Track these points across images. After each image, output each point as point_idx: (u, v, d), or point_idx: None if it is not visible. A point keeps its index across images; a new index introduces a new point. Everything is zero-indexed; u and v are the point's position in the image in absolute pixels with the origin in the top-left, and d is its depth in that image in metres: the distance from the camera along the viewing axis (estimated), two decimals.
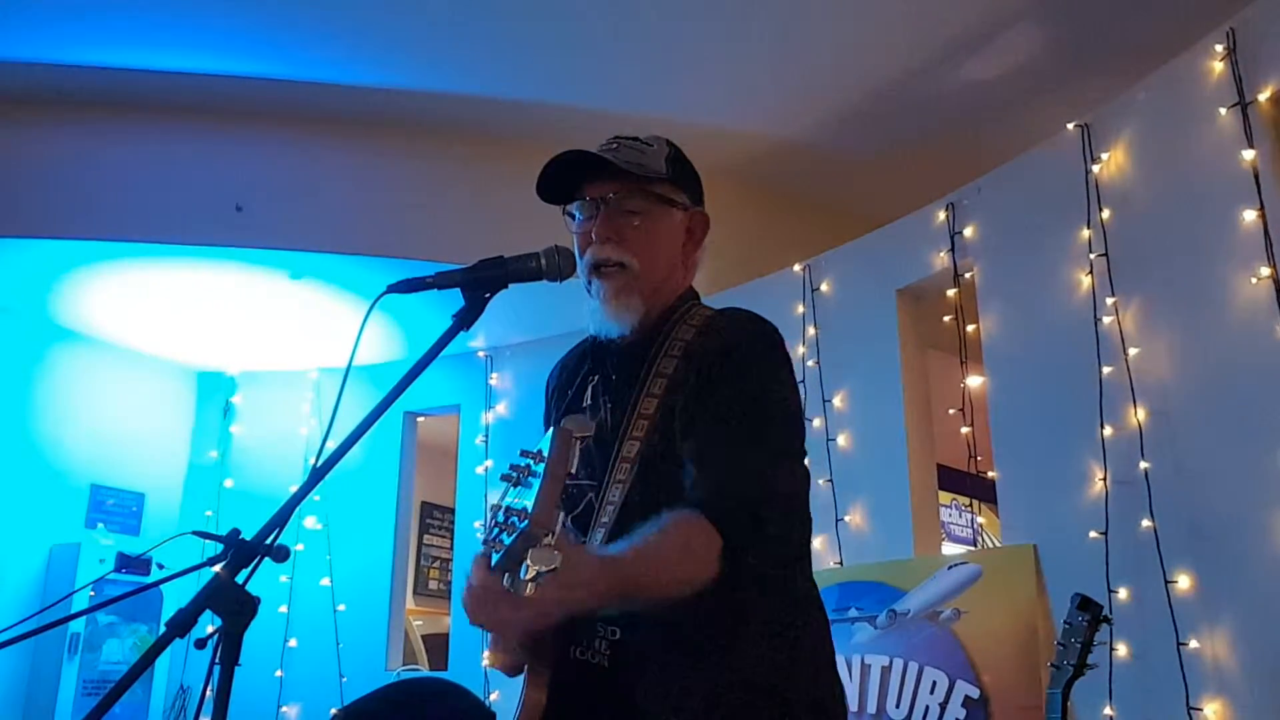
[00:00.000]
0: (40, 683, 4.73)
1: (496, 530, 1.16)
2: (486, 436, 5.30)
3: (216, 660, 1.03)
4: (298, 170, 4.54)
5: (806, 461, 1.45)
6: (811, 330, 4.28)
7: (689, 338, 1.42)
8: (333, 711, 4.83)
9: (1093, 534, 3.20)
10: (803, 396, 4.10)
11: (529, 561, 1.07)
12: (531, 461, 1.18)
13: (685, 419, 1.35)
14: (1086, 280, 3.43)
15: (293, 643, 5.24)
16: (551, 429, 1.20)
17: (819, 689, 1.36)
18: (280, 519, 1.11)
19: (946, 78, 4.25)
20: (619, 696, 1.31)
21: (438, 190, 4.63)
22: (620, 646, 1.33)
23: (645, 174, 1.45)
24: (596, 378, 1.52)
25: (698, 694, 1.28)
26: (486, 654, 1.55)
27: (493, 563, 1.16)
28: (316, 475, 1.16)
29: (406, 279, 1.28)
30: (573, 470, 1.17)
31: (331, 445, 1.18)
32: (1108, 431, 3.26)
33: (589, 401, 1.51)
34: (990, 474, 3.77)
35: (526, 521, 1.09)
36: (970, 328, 3.91)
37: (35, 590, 4.83)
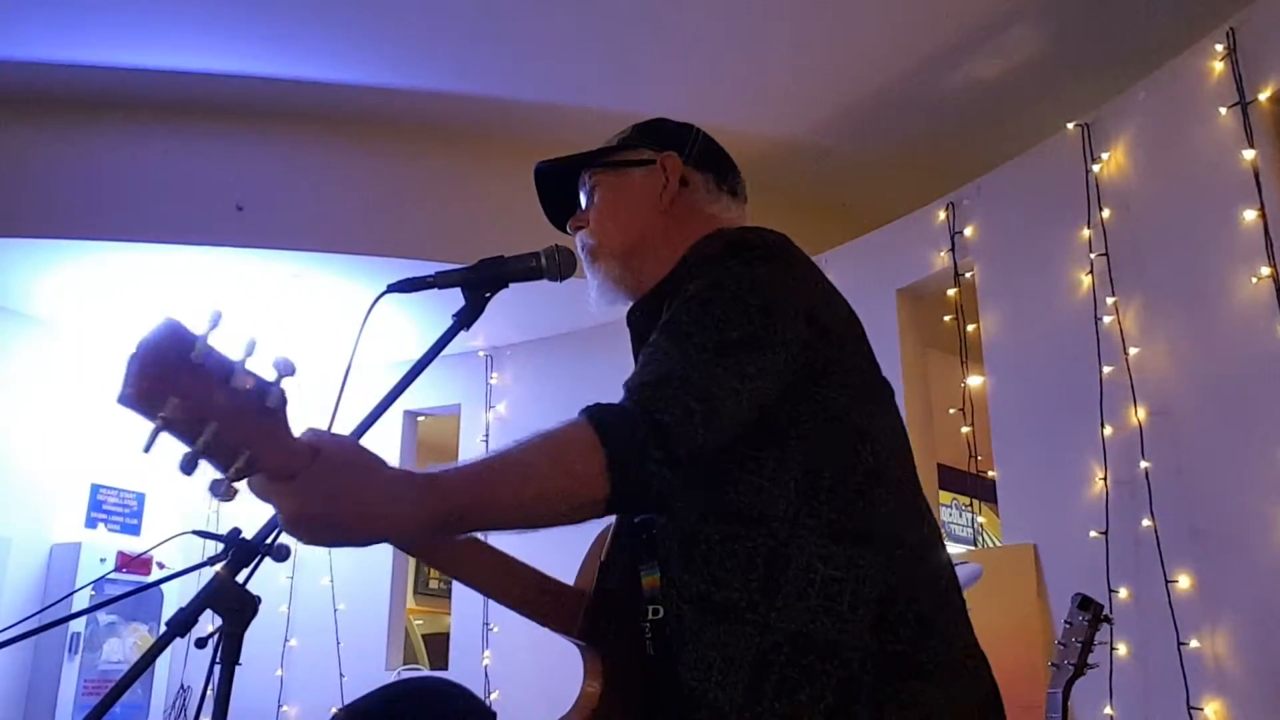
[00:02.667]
0: (40, 683, 4.73)
1: None
2: (486, 436, 5.30)
3: (217, 660, 1.03)
4: (298, 170, 4.54)
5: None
6: None
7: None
8: (333, 711, 4.83)
9: (1093, 534, 3.20)
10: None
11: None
12: None
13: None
14: (1086, 280, 3.43)
15: (293, 643, 5.24)
16: None
17: (900, 642, 1.12)
18: None
19: (946, 78, 4.25)
20: (668, 680, 1.18)
21: (438, 190, 4.63)
22: (660, 626, 1.21)
23: (591, 150, 1.48)
24: (632, 349, 1.51)
25: (742, 664, 1.12)
26: None
27: None
28: None
29: (406, 279, 1.28)
30: None
31: None
32: (1108, 431, 3.26)
33: None
34: (990, 474, 3.77)
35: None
36: (970, 328, 3.91)
37: (35, 590, 4.83)
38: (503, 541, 1.28)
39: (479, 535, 1.42)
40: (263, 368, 0.89)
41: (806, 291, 1.26)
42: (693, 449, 1.08)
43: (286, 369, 0.90)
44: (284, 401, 0.90)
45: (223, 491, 0.88)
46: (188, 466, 0.86)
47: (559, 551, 1.46)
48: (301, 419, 0.94)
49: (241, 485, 0.91)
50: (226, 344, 0.91)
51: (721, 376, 1.12)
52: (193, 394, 0.84)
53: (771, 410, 1.16)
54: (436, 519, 0.97)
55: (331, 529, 0.92)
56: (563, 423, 1.07)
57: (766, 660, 1.11)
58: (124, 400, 0.82)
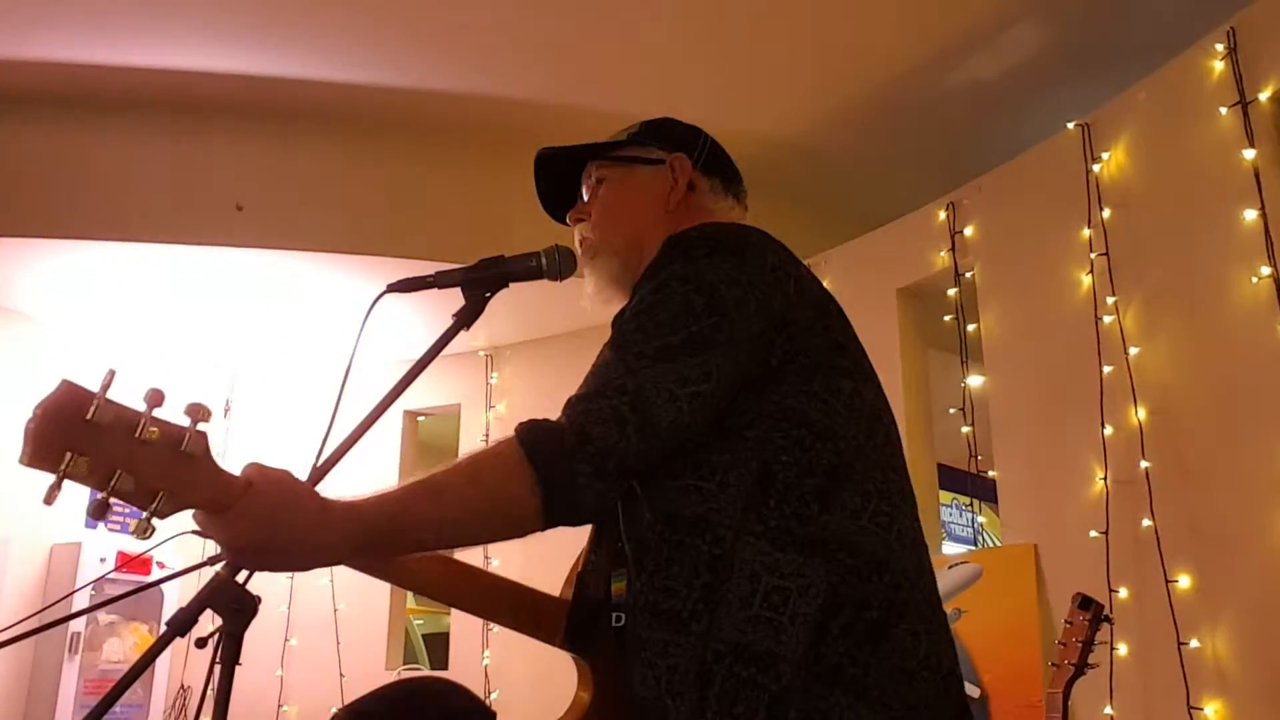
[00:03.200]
0: (40, 683, 4.72)
1: None
2: (486, 436, 5.30)
3: (216, 660, 1.03)
4: (298, 170, 4.54)
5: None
6: None
7: None
8: (333, 711, 4.83)
9: (1093, 534, 3.20)
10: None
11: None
12: None
13: None
14: (1086, 280, 3.42)
15: (293, 643, 5.24)
16: None
17: (838, 653, 1.07)
18: None
19: (946, 78, 4.25)
20: (629, 689, 1.18)
21: (438, 190, 4.63)
22: (621, 633, 1.20)
23: (599, 143, 1.46)
24: None
25: (686, 673, 1.10)
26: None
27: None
28: (316, 475, 1.16)
29: (406, 279, 1.28)
30: None
31: (331, 445, 1.18)
32: (1108, 431, 3.26)
33: None
34: (990, 474, 3.77)
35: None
36: (970, 328, 3.91)
37: (35, 590, 4.83)
38: (508, 549, 1.29)
39: (453, 555, 1.45)
40: (176, 415, 0.96)
41: (759, 282, 1.19)
42: (623, 461, 1.07)
43: (199, 414, 0.96)
44: (201, 444, 0.96)
45: (143, 529, 0.96)
46: (97, 511, 0.93)
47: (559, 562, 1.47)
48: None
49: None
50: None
51: (659, 382, 1.09)
52: (92, 449, 0.89)
53: (724, 410, 1.14)
54: (360, 541, 1.03)
55: (267, 554, 1.00)
56: (492, 442, 1.10)
57: (709, 671, 1.09)
58: (23, 461, 0.88)
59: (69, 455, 0.87)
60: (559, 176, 1.52)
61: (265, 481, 0.99)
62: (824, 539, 1.11)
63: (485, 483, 1.06)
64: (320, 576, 5.26)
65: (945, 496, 6.15)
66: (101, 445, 0.89)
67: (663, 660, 1.12)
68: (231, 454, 5.70)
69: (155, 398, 0.93)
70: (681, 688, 1.10)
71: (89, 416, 0.88)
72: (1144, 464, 3.13)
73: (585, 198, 1.48)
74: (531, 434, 1.07)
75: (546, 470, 1.05)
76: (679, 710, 1.10)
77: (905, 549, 1.16)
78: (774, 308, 1.18)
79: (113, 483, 0.90)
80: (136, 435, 0.91)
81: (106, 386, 0.90)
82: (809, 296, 1.25)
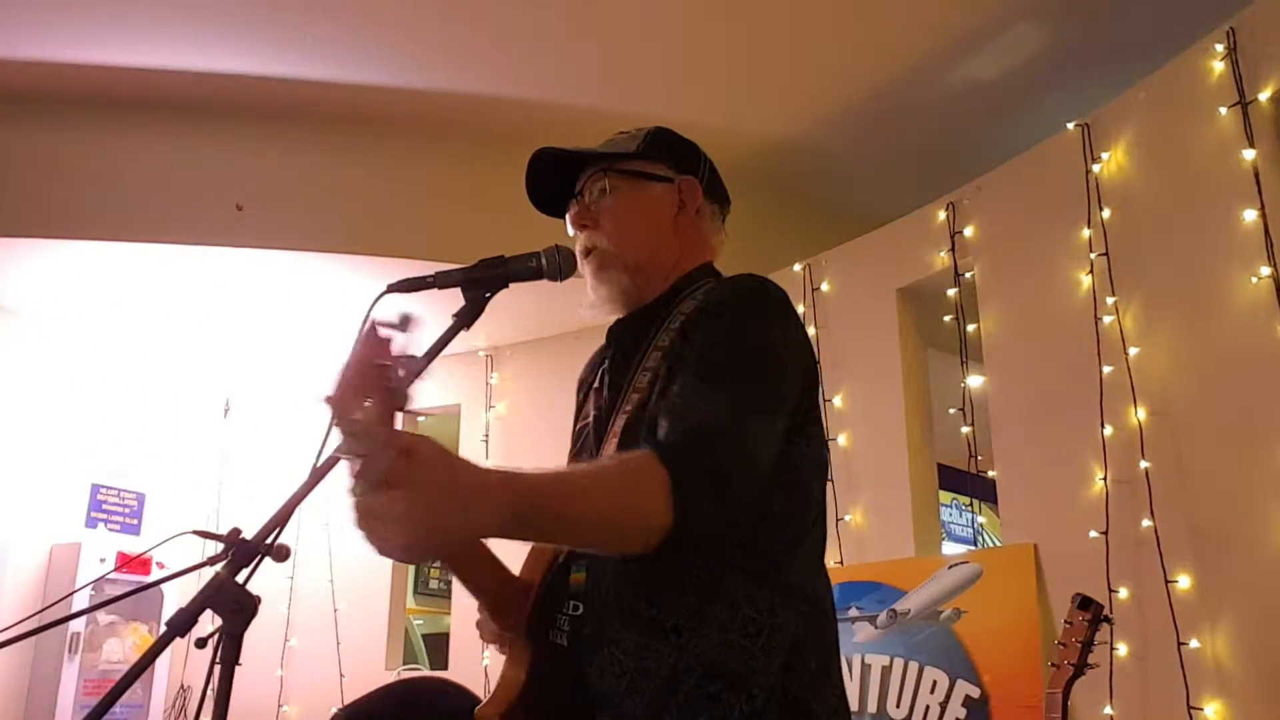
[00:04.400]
0: (40, 683, 4.73)
1: None
2: (486, 436, 5.30)
3: (216, 660, 1.03)
4: (298, 170, 4.54)
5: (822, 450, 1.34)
6: (812, 330, 4.27)
7: (689, 309, 1.35)
8: (333, 711, 4.83)
9: (1093, 534, 3.20)
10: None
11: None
12: None
13: (667, 373, 1.28)
14: (1086, 280, 3.42)
15: (293, 643, 5.24)
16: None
17: (800, 688, 1.21)
18: (280, 519, 1.11)
19: (946, 78, 4.25)
20: (580, 678, 1.24)
21: (438, 190, 4.64)
22: (579, 622, 1.26)
23: (610, 152, 1.46)
24: (607, 362, 1.49)
25: (655, 677, 1.18)
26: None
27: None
28: (316, 475, 1.16)
29: (406, 279, 1.28)
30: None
31: (331, 445, 1.18)
32: (1108, 431, 3.26)
33: (596, 385, 1.49)
34: (990, 474, 3.77)
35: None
36: (970, 328, 3.91)
37: (35, 590, 4.83)
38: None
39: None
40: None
41: (803, 346, 1.33)
42: (744, 498, 1.15)
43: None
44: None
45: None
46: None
47: None
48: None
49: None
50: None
51: (763, 433, 1.20)
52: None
53: None
54: (504, 521, 0.98)
55: (433, 522, 0.91)
56: (628, 452, 1.15)
57: (678, 679, 1.17)
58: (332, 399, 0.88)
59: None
60: (555, 175, 1.52)
61: (429, 446, 0.94)
62: (791, 584, 1.25)
63: (624, 492, 1.09)
64: (320, 576, 5.27)
65: (945, 496, 6.16)
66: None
67: (633, 660, 1.20)
68: (231, 454, 5.70)
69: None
70: (644, 688, 1.18)
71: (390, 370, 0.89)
72: (1144, 464, 3.13)
73: (585, 201, 1.48)
74: (673, 454, 1.11)
75: (686, 491, 1.08)
76: (634, 707, 1.18)
77: (830, 597, 1.33)
78: (810, 371, 1.34)
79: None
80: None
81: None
82: (814, 358, 1.39)
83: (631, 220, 1.44)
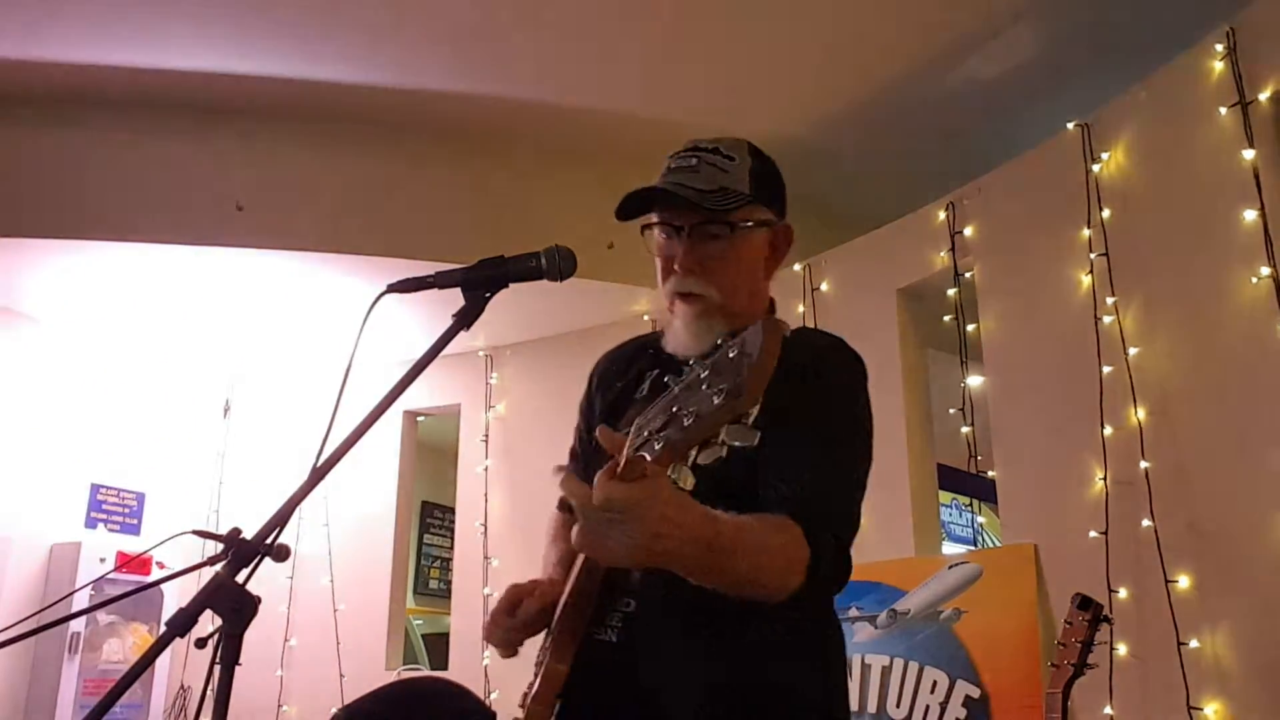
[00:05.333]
0: (40, 683, 4.73)
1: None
2: (486, 436, 5.30)
3: (216, 660, 1.03)
4: (298, 170, 4.54)
5: None
6: None
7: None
8: (333, 711, 4.83)
9: (1093, 534, 3.20)
10: None
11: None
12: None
13: (763, 421, 1.30)
14: (1086, 280, 3.42)
15: (293, 643, 5.24)
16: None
17: (835, 702, 1.33)
18: (280, 519, 1.11)
19: (946, 78, 4.25)
20: (628, 675, 1.27)
21: (438, 190, 4.63)
22: (633, 621, 1.30)
23: (726, 205, 1.40)
24: (657, 372, 1.47)
25: (705, 679, 1.24)
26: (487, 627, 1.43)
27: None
28: (317, 475, 1.16)
29: (406, 279, 1.28)
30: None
31: (331, 445, 1.18)
32: (1108, 431, 3.26)
33: (644, 393, 1.49)
34: (990, 474, 3.77)
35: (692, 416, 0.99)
36: (970, 328, 3.91)
37: (35, 590, 4.83)
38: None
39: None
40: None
41: None
42: (847, 576, 1.27)
43: None
44: None
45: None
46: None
47: None
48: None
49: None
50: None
51: (859, 501, 1.34)
52: None
53: None
54: (690, 551, 1.07)
55: (650, 536, 1.02)
56: (782, 521, 1.21)
57: (728, 686, 1.24)
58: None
59: None
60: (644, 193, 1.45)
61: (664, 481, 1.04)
62: (826, 613, 1.37)
63: (779, 563, 1.18)
64: (320, 576, 5.27)
65: (945, 496, 6.16)
66: None
67: (684, 663, 1.25)
68: (231, 454, 5.70)
69: None
70: (694, 692, 1.23)
71: None
72: (1144, 464, 3.13)
73: (692, 244, 1.42)
74: (816, 538, 1.21)
75: (817, 559, 1.20)
76: (683, 710, 1.22)
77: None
78: None
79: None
80: None
81: None
82: None
83: (740, 270, 1.44)
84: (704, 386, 0.97)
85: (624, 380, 1.54)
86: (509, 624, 1.40)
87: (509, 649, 1.42)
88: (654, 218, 1.46)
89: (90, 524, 5.16)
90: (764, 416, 1.27)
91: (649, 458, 1.00)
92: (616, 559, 1.05)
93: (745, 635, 1.26)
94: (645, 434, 1.02)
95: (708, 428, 0.97)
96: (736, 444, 0.97)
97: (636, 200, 1.43)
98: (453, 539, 6.22)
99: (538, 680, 1.29)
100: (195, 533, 1.51)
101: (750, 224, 1.44)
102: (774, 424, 1.24)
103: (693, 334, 1.43)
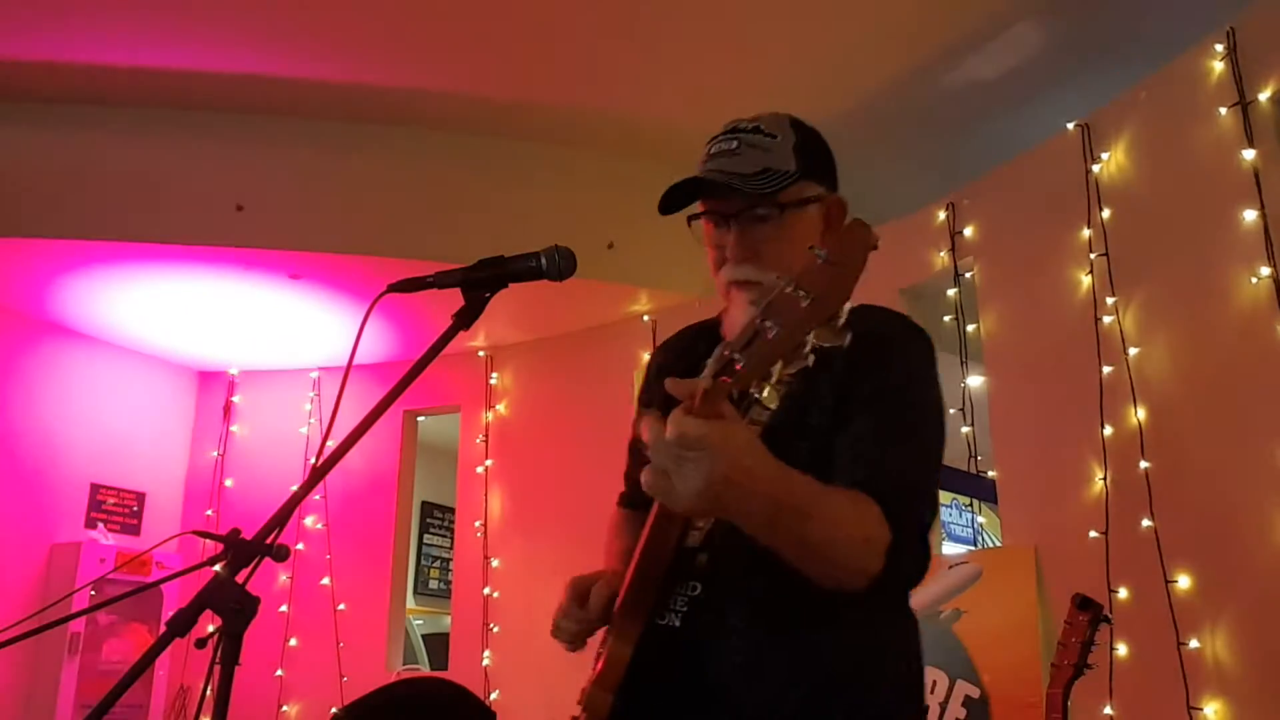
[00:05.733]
0: (40, 683, 4.73)
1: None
2: (486, 436, 5.30)
3: (216, 660, 1.03)
4: (298, 170, 4.54)
5: None
6: None
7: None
8: (333, 711, 4.83)
9: (1093, 534, 3.20)
10: None
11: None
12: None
13: (830, 400, 1.27)
14: (1086, 280, 3.43)
15: (293, 643, 5.24)
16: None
17: (908, 698, 1.26)
18: (280, 519, 1.11)
19: (946, 78, 4.25)
20: (691, 662, 1.23)
21: (438, 190, 4.63)
22: (698, 605, 1.25)
23: (772, 187, 1.35)
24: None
25: (774, 672, 1.19)
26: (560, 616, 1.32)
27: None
28: (316, 475, 1.16)
29: (406, 279, 1.28)
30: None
31: (331, 445, 1.18)
32: (1108, 431, 3.26)
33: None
34: (990, 474, 3.77)
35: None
36: (970, 327, 3.91)
37: (35, 590, 4.83)
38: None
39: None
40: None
41: None
42: (929, 551, 1.21)
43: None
44: None
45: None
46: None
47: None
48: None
49: None
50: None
51: (937, 484, 1.29)
52: None
53: None
54: (770, 506, 1.03)
55: (722, 482, 0.97)
56: (859, 496, 1.15)
57: (798, 678, 1.18)
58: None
59: None
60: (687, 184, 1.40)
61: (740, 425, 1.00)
62: (900, 601, 1.31)
63: (867, 524, 1.13)
64: (320, 576, 5.27)
65: (945, 496, 6.16)
66: None
67: (753, 653, 1.20)
68: (231, 454, 5.71)
69: None
70: (763, 683, 1.18)
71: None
72: (1144, 464, 3.13)
73: (740, 230, 1.37)
74: (896, 518, 1.15)
75: (898, 540, 1.14)
76: (751, 701, 1.18)
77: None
78: None
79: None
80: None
81: None
82: None
83: (795, 251, 1.34)
84: (788, 295, 0.95)
85: (685, 365, 1.46)
86: (580, 615, 1.32)
87: (579, 642, 1.36)
88: (699, 208, 1.41)
89: (90, 524, 5.16)
90: (834, 404, 1.27)
91: (730, 380, 0.95)
92: (684, 502, 0.99)
93: (816, 626, 1.20)
94: (726, 355, 0.97)
95: (797, 334, 0.94)
96: (826, 345, 0.95)
97: (678, 193, 1.38)
98: (453, 539, 6.22)
99: (600, 664, 1.25)
100: (195, 533, 1.51)
101: (800, 202, 1.38)
102: (845, 411, 1.27)
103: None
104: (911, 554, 1.17)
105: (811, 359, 0.95)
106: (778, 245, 1.36)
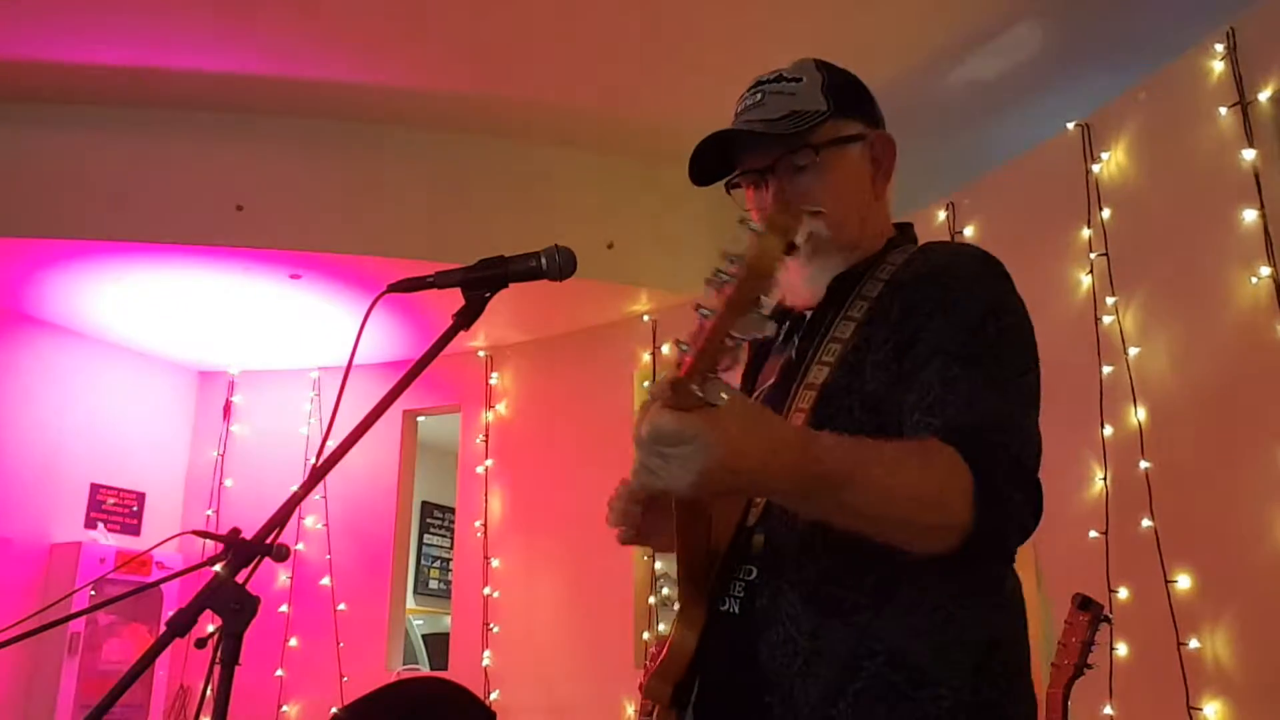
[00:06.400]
0: (40, 683, 4.73)
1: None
2: (486, 436, 5.30)
3: (216, 660, 1.03)
4: (298, 170, 4.55)
5: None
6: None
7: (896, 264, 1.24)
8: (333, 711, 4.83)
9: (1093, 534, 3.20)
10: None
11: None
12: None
13: (889, 351, 1.16)
14: (1086, 280, 3.43)
15: (293, 643, 5.24)
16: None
17: (994, 690, 1.09)
18: (280, 519, 1.11)
19: (946, 78, 4.25)
20: (746, 650, 1.14)
21: (437, 190, 4.63)
22: (753, 589, 1.15)
23: (800, 127, 1.26)
24: (788, 325, 1.35)
25: (831, 660, 1.08)
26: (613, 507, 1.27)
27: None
28: (316, 475, 1.16)
29: (406, 279, 1.28)
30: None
31: (331, 445, 1.18)
32: (1108, 431, 3.26)
33: (778, 345, 1.36)
34: None
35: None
36: None
37: (35, 590, 4.83)
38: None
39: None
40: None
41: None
42: (1038, 501, 1.09)
43: None
44: None
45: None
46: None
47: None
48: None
49: None
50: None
51: (1035, 420, 1.16)
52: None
53: None
54: (806, 480, 0.96)
55: (735, 462, 0.91)
56: (920, 440, 1.05)
57: (857, 664, 1.08)
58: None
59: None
60: (721, 147, 1.34)
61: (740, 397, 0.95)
62: (984, 573, 1.15)
63: (935, 472, 1.01)
64: (320, 576, 5.27)
65: None
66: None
67: (808, 640, 1.10)
68: (231, 454, 5.71)
69: None
70: (819, 671, 1.09)
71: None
72: (1144, 464, 3.13)
73: (780, 183, 1.29)
74: (966, 444, 1.03)
75: (988, 483, 1.02)
76: (807, 691, 1.09)
77: (1021, 588, 1.21)
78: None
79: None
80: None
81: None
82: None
83: (841, 195, 1.28)
84: (721, 277, 0.94)
85: (758, 342, 1.40)
86: (629, 492, 1.27)
87: (628, 524, 1.29)
88: (734, 174, 1.33)
89: (90, 524, 5.16)
90: (881, 350, 1.16)
91: (684, 374, 0.90)
92: (680, 493, 0.93)
93: (879, 609, 1.09)
94: (680, 345, 0.95)
95: (721, 326, 0.90)
96: (742, 336, 0.91)
97: (709, 157, 1.30)
98: (453, 539, 6.22)
99: (665, 650, 1.19)
100: (195, 533, 1.51)
101: (837, 141, 1.28)
102: (909, 363, 1.13)
103: (807, 279, 1.29)
104: (1005, 497, 1.02)
105: (739, 353, 0.92)
106: (821, 191, 1.27)
